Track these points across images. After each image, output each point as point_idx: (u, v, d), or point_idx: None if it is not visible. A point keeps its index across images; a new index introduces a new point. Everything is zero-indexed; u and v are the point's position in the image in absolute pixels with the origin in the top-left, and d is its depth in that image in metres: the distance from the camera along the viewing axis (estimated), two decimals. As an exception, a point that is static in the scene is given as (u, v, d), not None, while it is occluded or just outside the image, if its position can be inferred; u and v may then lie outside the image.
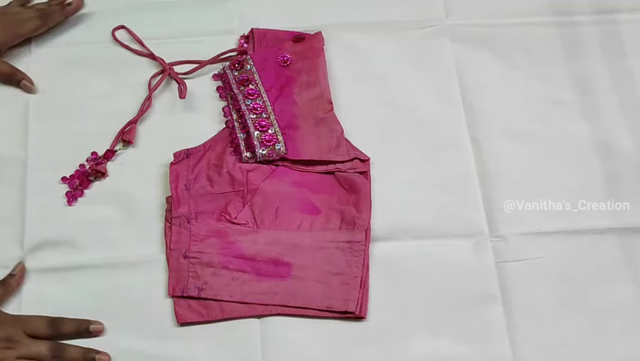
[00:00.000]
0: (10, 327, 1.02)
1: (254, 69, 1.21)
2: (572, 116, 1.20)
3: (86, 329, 1.04)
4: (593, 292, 1.08)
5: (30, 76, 1.21)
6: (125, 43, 1.25)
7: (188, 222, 1.10)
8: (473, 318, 1.06)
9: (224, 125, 1.18)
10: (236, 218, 1.11)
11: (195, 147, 1.16)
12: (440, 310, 1.07)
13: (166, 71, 1.22)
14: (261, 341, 1.05)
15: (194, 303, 1.06)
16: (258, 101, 1.19)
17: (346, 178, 1.14)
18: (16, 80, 1.21)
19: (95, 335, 1.05)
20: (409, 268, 1.09)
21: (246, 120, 1.17)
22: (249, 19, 1.27)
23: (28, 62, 1.23)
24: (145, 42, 1.25)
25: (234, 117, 1.18)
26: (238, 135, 1.16)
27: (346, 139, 1.17)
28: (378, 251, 1.10)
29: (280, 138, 1.16)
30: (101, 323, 1.05)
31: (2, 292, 1.06)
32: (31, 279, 1.08)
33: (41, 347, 1.02)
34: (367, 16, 1.28)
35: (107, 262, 1.08)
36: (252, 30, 1.26)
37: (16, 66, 1.22)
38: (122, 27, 1.26)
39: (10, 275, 1.07)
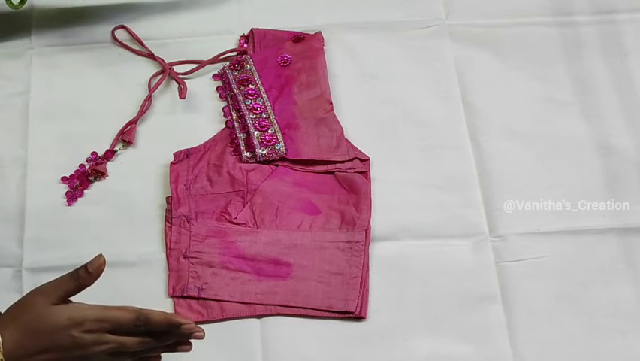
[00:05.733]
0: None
1: (254, 69, 1.21)
2: (572, 116, 1.20)
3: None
4: (593, 292, 1.08)
5: (30, 76, 1.21)
6: (125, 43, 1.25)
7: (188, 222, 1.10)
8: (473, 318, 1.06)
9: (224, 125, 1.18)
10: (236, 218, 1.11)
11: (195, 147, 1.16)
12: (440, 310, 1.07)
13: (166, 71, 1.22)
14: (261, 341, 1.05)
15: (194, 303, 1.06)
16: (257, 101, 1.19)
17: (346, 178, 1.14)
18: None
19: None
20: (409, 268, 1.09)
21: (245, 120, 1.17)
22: (249, 19, 1.27)
23: (29, 61, 1.23)
24: (145, 42, 1.25)
25: (234, 117, 1.18)
26: (238, 135, 1.16)
27: (346, 139, 1.17)
28: (378, 251, 1.10)
29: (280, 138, 1.16)
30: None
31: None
32: (30, 279, 1.08)
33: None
34: (367, 16, 1.28)
35: (107, 262, 1.08)
36: (252, 30, 1.26)
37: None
38: (122, 27, 1.26)
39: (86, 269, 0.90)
